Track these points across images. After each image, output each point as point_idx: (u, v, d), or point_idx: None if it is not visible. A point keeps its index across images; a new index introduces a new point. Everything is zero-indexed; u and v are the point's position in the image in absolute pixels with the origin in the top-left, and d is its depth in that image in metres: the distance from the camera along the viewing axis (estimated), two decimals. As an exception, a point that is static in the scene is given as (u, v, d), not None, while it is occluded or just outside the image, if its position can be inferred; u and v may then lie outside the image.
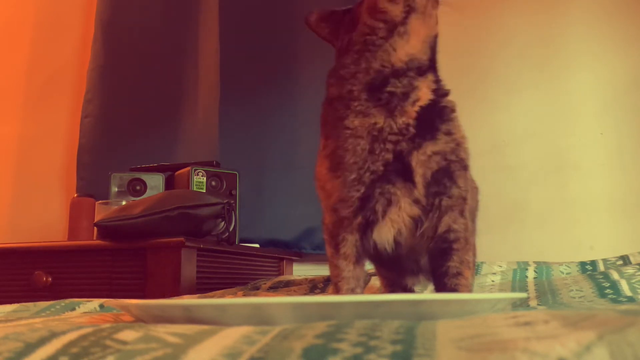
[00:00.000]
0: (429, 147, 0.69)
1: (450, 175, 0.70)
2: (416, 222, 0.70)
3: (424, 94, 0.71)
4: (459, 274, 0.70)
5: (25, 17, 2.33)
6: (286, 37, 1.93)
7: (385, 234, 0.71)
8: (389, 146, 0.69)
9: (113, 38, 2.09)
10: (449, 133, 0.70)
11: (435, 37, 0.75)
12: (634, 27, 1.75)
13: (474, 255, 0.78)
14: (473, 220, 0.77)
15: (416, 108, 0.70)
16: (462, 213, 0.70)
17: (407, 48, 0.73)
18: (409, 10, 0.74)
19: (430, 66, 0.73)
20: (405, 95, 0.71)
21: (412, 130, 0.69)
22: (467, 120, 0.75)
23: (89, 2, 2.24)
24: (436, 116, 0.71)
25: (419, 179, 0.69)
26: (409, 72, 0.72)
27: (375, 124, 0.70)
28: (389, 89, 0.71)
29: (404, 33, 0.74)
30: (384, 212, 0.70)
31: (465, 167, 0.71)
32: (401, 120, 0.70)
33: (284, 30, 1.94)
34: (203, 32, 2.01)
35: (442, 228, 0.70)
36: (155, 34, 2.07)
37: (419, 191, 0.69)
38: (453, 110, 0.72)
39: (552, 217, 1.72)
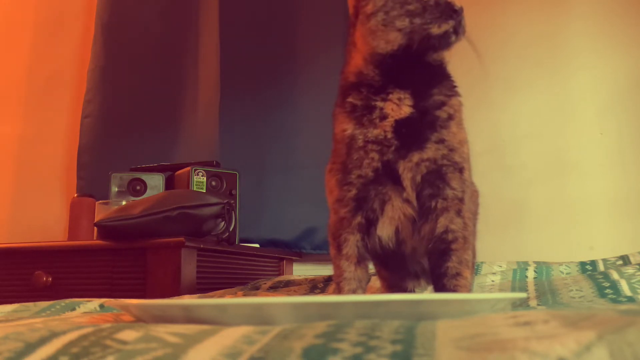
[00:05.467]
0: (416, 156, 0.69)
1: (442, 177, 0.70)
2: (413, 222, 0.71)
3: (393, 110, 0.70)
4: (458, 274, 0.70)
5: (25, 17, 2.33)
6: (286, 37, 1.93)
7: (386, 230, 0.72)
8: (374, 155, 0.70)
9: (113, 38, 2.09)
10: (440, 141, 0.70)
11: (383, 55, 0.70)
12: (635, 26, 1.74)
13: (474, 256, 0.79)
14: (474, 223, 0.77)
15: (389, 122, 0.70)
16: (459, 213, 0.71)
17: (354, 62, 0.73)
18: (355, 20, 0.74)
19: (382, 85, 0.71)
20: (368, 109, 0.71)
21: (394, 142, 0.69)
22: (467, 120, 0.75)
23: (89, 2, 2.24)
24: (427, 127, 0.70)
25: (407, 183, 0.70)
26: (362, 88, 0.72)
27: (344, 130, 0.72)
28: (349, 99, 0.72)
29: (355, 45, 0.74)
30: (382, 210, 0.71)
31: (460, 170, 0.71)
32: (375, 132, 0.70)
33: (284, 30, 1.94)
34: (203, 32, 2.01)
35: (439, 229, 0.70)
36: (155, 34, 2.07)
37: (408, 193, 0.70)
38: (451, 118, 0.71)
39: (552, 217, 1.71)
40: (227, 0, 1.93)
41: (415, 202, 0.70)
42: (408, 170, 0.69)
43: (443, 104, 0.71)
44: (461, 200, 0.71)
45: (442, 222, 0.70)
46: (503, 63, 1.81)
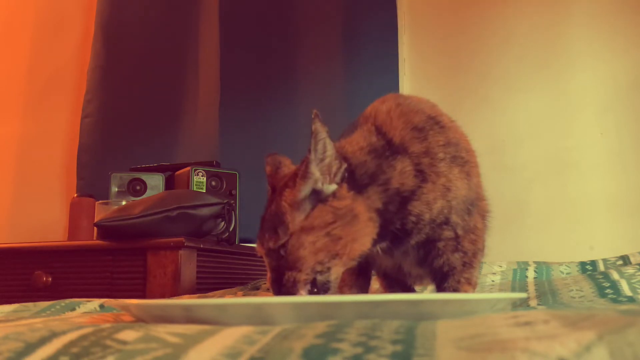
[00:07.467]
0: (413, 240, 0.70)
1: (432, 240, 0.70)
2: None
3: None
4: (455, 291, 0.71)
5: (26, 17, 2.33)
6: (286, 38, 1.93)
7: (384, 264, 0.76)
8: None
9: (113, 38, 2.09)
10: (420, 216, 0.68)
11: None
12: (634, 27, 1.74)
13: (482, 254, 0.79)
14: (483, 217, 0.78)
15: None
16: (455, 249, 0.71)
17: None
18: None
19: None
20: None
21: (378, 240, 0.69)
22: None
23: (89, 2, 2.24)
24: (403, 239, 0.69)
25: (404, 264, 0.74)
26: None
27: None
28: None
29: None
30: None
31: (450, 211, 0.70)
32: None
33: (284, 31, 1.94)
34: (203, 31, 2.01)
35: (436, 266, 0.72)
36: (155, 34, 2.07)
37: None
38: (423, 183, 0.68)
39: (552, 217, 1.71)
40: (228, 1, 1.93)
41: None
42: (404, 255, 0.71)
43: (413, 192, 0.68)
44: (455, 238, 0.71)
45: (437, 263, 0.71)
46: (503, 64, 1.81)
